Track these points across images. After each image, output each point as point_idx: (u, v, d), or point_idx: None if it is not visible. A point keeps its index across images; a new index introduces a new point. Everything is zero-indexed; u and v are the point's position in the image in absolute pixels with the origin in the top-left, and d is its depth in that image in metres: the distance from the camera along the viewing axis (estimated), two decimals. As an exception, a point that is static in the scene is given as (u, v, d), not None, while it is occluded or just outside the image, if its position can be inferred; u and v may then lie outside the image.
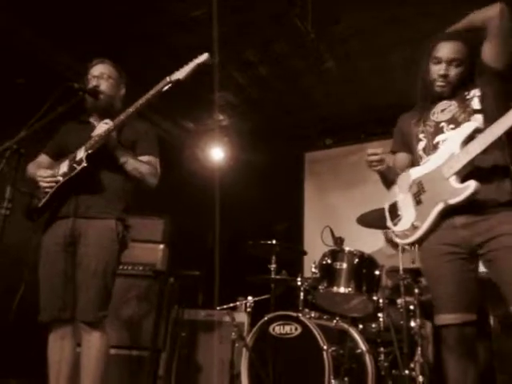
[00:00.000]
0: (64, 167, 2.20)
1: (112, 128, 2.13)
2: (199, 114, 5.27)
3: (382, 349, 2.85)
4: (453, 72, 1.89)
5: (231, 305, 3.75)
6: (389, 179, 2.05)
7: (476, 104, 1.84)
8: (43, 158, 2.38)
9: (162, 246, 3.63)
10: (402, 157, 2.10)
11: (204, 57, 2.02)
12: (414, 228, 1.85)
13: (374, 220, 3.10)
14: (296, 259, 4.45)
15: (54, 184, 2.16)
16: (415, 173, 1.92)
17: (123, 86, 2.45)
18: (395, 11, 3.61)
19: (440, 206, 1.76)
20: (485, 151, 1.68)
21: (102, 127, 2.17)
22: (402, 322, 2.74)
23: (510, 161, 1.80)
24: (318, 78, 4.52)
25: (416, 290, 2.87)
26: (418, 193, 1.86)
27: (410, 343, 2.69)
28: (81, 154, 2.15)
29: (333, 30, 3.84)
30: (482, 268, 1.82)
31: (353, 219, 3.18)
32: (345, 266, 2.94)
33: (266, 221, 5.27)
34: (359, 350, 2.77)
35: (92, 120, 2.37)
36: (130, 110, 2.11)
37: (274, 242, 3.19)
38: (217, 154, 5.57)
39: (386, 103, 4.82)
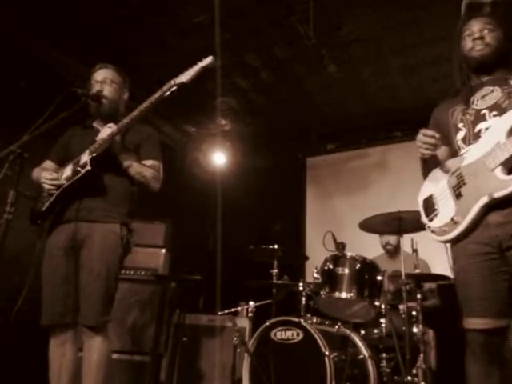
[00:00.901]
0: (67, 171, 2.20)
1: (116, 132, 2.13)
2: (201, 118, 5.28)
3: (384, 355, 2.84)
4: (488, 35, 1.80)
5: (233, 310, 3.75)
6: (429, 168, 1.91)
7: None
8: (48, 164, 2.38)
9: (163, 251, 3.62)
10: (441, 150, 1.91)
11: (208, 60, 2.01)
12: (454, 223, 1.70)
13: (376, 225, 3.10)
14: (298, 264, 4.45)
15: (57, 186, 2.16)
16: (454, 164, 1.78)
17: (126, 91, 2.45)
18: (396, 17, 3.62)
19: (484, 200, 1.62)
20: None
21: (106, 131, 2.17)
22: (404, 328, 2.73)
23: None
24: (320, 82, 4.53)
25: (418, 296, 2.87)
26: (458, 185, 1.72)
27: (412, 349, 2.68)
28: (85, 157, 2.15)
29: (334, 35, 3.85)
30: None
31: (355, 224, 3.18)
32: (347, 271, 2.93)
33: (268, 225, 5.29)
34: (361, 356, 2.75)
35: (96, 125, 2.37)
36: (134, 113, 2.11)
37: (275, 246, 3.19)
38: (219, 158, 5.58)
39: (388, 108, 4.84)
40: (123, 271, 3.20)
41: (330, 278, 2.96)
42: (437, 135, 1.79)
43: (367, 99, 4.80)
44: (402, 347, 2.67)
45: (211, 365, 3.59)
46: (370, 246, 3.77)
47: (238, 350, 3.23)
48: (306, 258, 3.90)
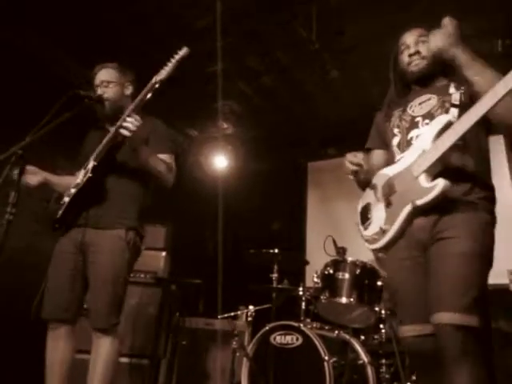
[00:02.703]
0: (79, 177, 2.22)
1: (111, 137, 2.13)
2: (203, 121, 5.28)
3: (383, 360, 2.83)
4: (423, 48, 1.82)
5: (232, 314, 3.74)
6: (365, 181, 1.91)
7: (456, 99, 1.70)
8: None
9: (163, 254, 3.62)
10: (378, 155, 1.95)
11: (183, 51, 2.07)
12: (383, 232, 1.70)
13: (376, 230, 3.09)
14: (298, 269, 4.44)
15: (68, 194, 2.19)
16: (389, 172, 1.77)
17: (129, 84, 2.40)
18: (398, 21, 3.61)
19: (408, 208, 1.61)
20: (459, 148, 1.55)
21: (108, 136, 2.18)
22: (404, 334, 2.72)
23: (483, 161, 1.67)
24: (322, 87, 4.53)
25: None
26: (389, 194, 1.71)
27: (411, 355, 2.67)
28: (90, 164, 2.16)
29: (337, 40, 3.86)
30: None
31: (355, 229, 3.16)
32: (347, 276, 2.92)
33: (268, 229, 5.28)
34: (360, 362, 2.75)
35: (107, 126, 2.36)
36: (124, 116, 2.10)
37: (275, 250, 3.19)
38: (220, 162, 5.58)
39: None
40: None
41: (330, 283, 2.96)
42: (361, 163, 1.80)
43: (369, 104, 4.79)
44: (402, 353, 2.66)
45: (210, 368, 3.58)
46: (370, 252, 3.76)
47: (237, 353, 3.23)
48: (307, 263, 3.89)
